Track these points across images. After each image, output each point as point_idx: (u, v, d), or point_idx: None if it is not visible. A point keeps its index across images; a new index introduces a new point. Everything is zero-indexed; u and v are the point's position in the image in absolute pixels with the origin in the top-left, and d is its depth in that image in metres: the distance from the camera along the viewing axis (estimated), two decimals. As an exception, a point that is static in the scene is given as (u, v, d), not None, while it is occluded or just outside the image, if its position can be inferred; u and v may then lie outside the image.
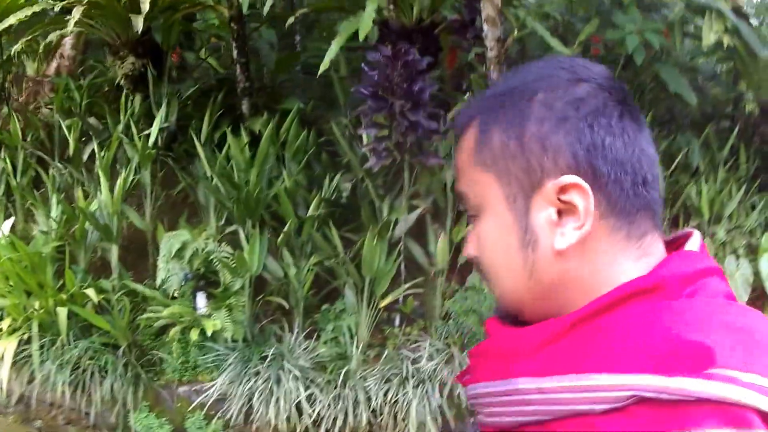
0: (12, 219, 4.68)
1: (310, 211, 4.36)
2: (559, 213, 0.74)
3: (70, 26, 4.27)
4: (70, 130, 4.74)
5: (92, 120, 4.83)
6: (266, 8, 4.27)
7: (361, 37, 4.20)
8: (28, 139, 4.91)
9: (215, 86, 4.99)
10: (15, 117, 4.90)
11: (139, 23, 4.19)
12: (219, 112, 4.75)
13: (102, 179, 4.38)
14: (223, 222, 4.48)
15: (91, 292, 4.25)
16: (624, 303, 0.71)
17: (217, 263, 4.26)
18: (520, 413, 0.73)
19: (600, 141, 0.74)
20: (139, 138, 4.48)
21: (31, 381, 4.69)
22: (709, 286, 0.73)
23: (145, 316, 4.27)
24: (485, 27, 4.34)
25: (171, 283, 4.23)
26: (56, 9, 4.45)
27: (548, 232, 0.74)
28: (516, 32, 4.51)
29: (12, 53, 5.06)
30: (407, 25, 4.66)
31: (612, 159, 0.74)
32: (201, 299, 4.39)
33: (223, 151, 4.51)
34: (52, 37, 4.70)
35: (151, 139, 4.44)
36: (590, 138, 0.74)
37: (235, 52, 4.71)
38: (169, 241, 4.25)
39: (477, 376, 0.81)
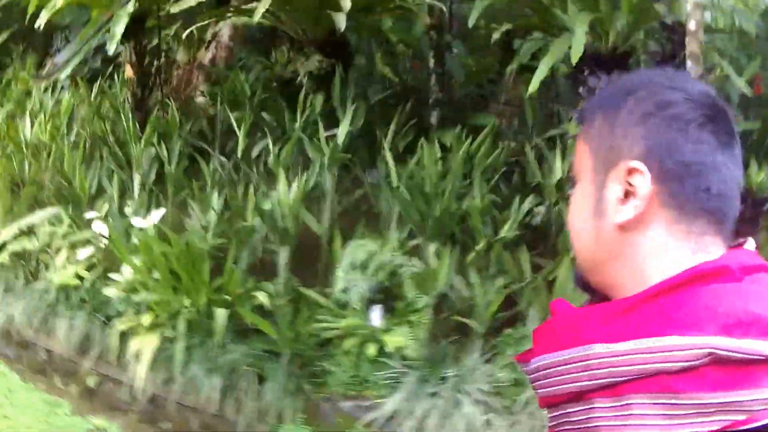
0: (163, 210, 4.43)
1: (503, 232, 4.18)
2: (626, 193, 0.84)
3: (256, 17, 4.13)
4: (240, 124, 4.53)
5: (264, 115, 4.62)
6: (472, 20, 4.12)
7: (574, 60, 4.12)
8: (187, 128, 4.68)
9: (400, 94, 4.82)
10: (173, 104, 4.69)
11: (341, 21, 4.04)
12: (407, 122, 4.57)
13: (281, 178, 4.16)
14: (405, 234, 4.23)
15: (262, 295, 3.99)
16: (692, 283, 0.77)
17: (402, 278, 4.02)
18: (594, 377, 0.77)
19: (671, 141, 0.84)
20: (319, 140, 4.29)
21: (167, 381, 4.38)
22: (766, 279, 0.81)
23: (319, 325, 4.00)
24: (689, 63, 4.21)
25: (351, 294, 3.97)
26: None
27: (614, 206, 0.84)
28: (719, 71, 4.39)
29: (166, 39, 4.87)
30: (603, 51, 4.53)
31: (678, 159, 0.83)
32: (375, 313, 4.17)
33: (413, 161, 4.31)
34: (221, 25, 4.53)
35: (339, 141, 4.23)
36: (664, 136, 0.84)
37: (431, 62, 4.57)
38: (354, 251, 4.02)
39: (543, 350, 0.85)
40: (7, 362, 5.01)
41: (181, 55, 5.11)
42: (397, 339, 4.12)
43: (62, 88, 5.97)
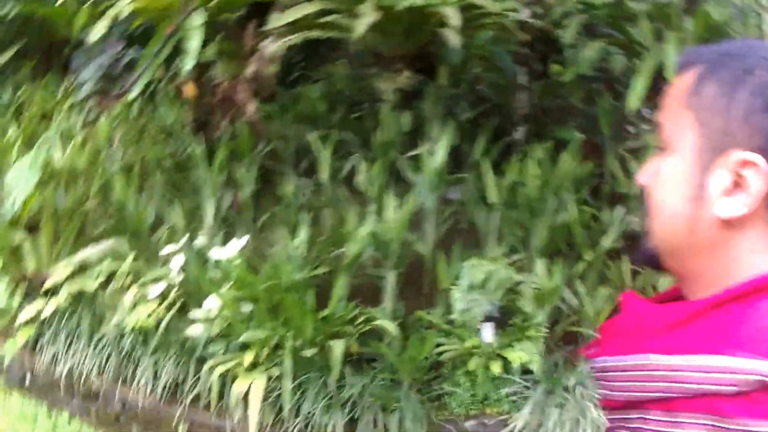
0: (245, 237, 4.21)
1: (607, 242, 4.21)
2: (733, 184, 0.79)
3: (358, 32, 3.94)
4: (322, 142, 4.31)
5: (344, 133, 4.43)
6: (569, 36, 4.06)
7: (669, 77, 4.13)
8: (258, 148, 4.44)
9: (488, 110, 4.72)
10: (247, 122, 4.43)
11: (455, 39, 3.92)
12: (494, 138, 4.50)
13: (388, 200, 4.03)
14: (506, 250, 4.19)
15: (384, 322, 3.86)
16: (753, 295, 0.74)
17: (520, 294, 4.00)
18: (649, 389, 0.77)
19: None
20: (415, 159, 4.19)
21: (277, 423, 4.20)
22: None
23: (440, 348, 3.92)
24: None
25: (471, 313, 3.91)
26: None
27: (718, 196, 0.79)
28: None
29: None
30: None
31: None
32: (488, 330, 4.12)
33: (509, 176, 4.30)
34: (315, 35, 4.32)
35: (438, 160, 4.12)
36: None
37: (525, 78, 4.48)
38: (471, 270, 3.94)
39: (606, 350, 0.86)
40: (74, 416, 4.67)
41: (220, 70, 4.78)
42: (519, 354, 4.10)
43: (89, 109, 5.52)
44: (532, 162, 4.38)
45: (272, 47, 4.51)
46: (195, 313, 4.44)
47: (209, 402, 4.53)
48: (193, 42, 4.19)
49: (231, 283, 4.43)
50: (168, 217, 4.71)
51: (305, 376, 4.32)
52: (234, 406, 4.38)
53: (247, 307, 4.41)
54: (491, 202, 4.36)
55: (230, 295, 4.43)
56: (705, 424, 0.73)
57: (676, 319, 0.79)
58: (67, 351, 4.74)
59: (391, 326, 4.06)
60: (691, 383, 0.73)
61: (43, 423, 4.63)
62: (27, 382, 4.97)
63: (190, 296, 4.55)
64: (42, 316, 4.66)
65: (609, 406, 0.86)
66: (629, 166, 4.64)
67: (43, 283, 5.18)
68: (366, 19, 4.14)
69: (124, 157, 4.93)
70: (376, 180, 4.31)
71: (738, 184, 0.79)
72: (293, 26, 4.44)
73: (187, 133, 4.81)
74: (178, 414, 4.52)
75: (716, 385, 0.72)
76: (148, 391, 4.49)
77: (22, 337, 4.89)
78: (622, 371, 0.82)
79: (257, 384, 4.28)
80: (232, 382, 4.47)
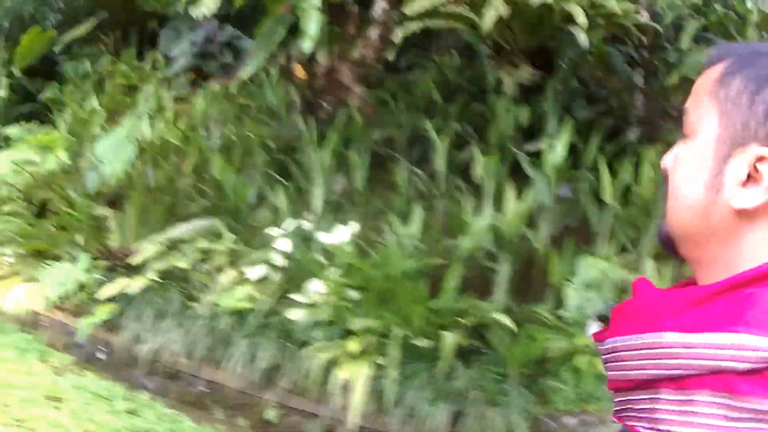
0: (355, 224, 4.16)
1: None
2: (748, 177, 0.81)
3: (487, 25, 3.94)
4: (439, 132, 4.27)
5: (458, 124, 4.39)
6: (685, 42, 4.07)
7: None
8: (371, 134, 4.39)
9: (603, 111, 4.71)
10: (358, 107, 4.38)
11: (584, 39, 3.92)
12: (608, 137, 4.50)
13: (507, 194, 4.00)
14: (617, 249, 4.20)
15: (499, 316, 3.82)
16: None
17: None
18: (662, 366, 0.78)
19: None
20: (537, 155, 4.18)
21: (378, 413, 4.12)
22: None
23: (550, 344, 3.90)
24: None
25: (585, 311, 3.92)
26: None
27: (733, 186, 0.81)
28: None
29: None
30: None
31: None
32: (593, 328, 4.14)
33: (623, 176, 4.31)
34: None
35: (557, 158, 4.10)
36: None
37: (641, 80, 4.49)
38: (587, 269, 3.94)
39: (616, 332, 0.87)
40: (152, 396, 4.51)
41: (321, 54, 4.72)
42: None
43: (181, 85, 5.40)
44: (647, 163, 4.38)
45: (398, 33, 4.47)
46: (297, 298, 4.35)
47: (304, 388, 4.44)
48: (312, 23, 4.15)
49: (338, 268, 4.35)
50: (270, 198, 4.62)
51: (411, 366, 4.25)
52: (334, 393, 4.29)
53: (354, 294, 4.33)
54: (605, 201, 4.34)
55: (338, 280, 4.34)
56: (718, 403, 0.73)
57: (689, 300, 0.79)
58: (151, 330, 4.60)
59: (506, 320, 4.01)
60: (705, 359, 0.73)
61: (120, 402, 4.45)
62: (103, 360, 4.80)
63: (290, 280, 4.45)
64: (128, 293, 4.52)
65: (619, 387, 0.85)
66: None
67: (125, 259, 5.04)
68: (494, 12, 4.13)
69: (222, 136, 4.82)
70: (494, 173, 4.26)
71: (753, 178, 0.80)
72: (411, 15, 4.42)
73: (293, 115, 4.72)
74: (269, 398, 4.41)
75: (731, 361, 0.72)
76: (239, 373, 4.37)
77: (102, 313, 4.73)
78: (633, 350, 0.82)
79: (363, 372, 4.19)
80: (333, 369, 4.39)
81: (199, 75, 5.73)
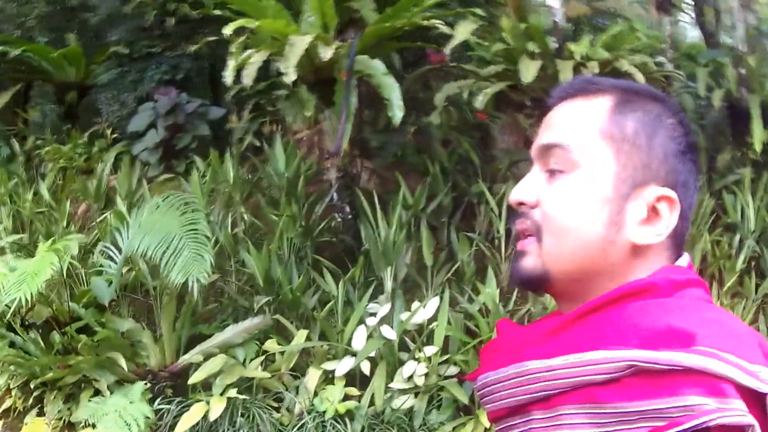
0: (436, 299, 4.27)
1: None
2: (649, 215, 0.88)
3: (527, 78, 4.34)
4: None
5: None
6: None
7: None
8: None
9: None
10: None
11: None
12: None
13: None
14: None
15: None
16: (623, 300, 0.85)
17: None
18: (529, 391, 0.85)
19: (689, 183, 0.93)
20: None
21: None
22: (695, 293, 0.90)
23: None
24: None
25: None
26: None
27: (633, 224, 0.87)
28: None
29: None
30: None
31: (690, 202, 0.94)
32: None
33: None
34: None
35: None
36: (689, 178, 0.93)
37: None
38: None
39: (487, 368, 0.94)
40: None
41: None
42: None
43: (147, 165, 4.49)
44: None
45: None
46: (397, 385, 4.12)
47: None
48: (395, 92, 3.96)
49: (434, 346, 4.20)
50: (321, 284, 4.31)
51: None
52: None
53: (452, 369, 4.24)
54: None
55: (435, 359, 4.19)
56: (584, 413, 0.79)
57: (553, 328, 0.86)
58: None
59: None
60: (568, 378, 0.79)
61: None
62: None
63: (376, 367, 4.20)
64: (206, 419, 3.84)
65: (496, 417, 0.91)
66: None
67: (171, 375, 4.16)
68: (535, 65, 4.16)
69: (237, 221, 4.24)
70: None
71: (653, 216, 0.86)
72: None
73: (321, 189, 4.35)
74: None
75: (591, 375, 0.78)
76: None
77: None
78: (501, 382, 0.87)
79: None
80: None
81: (169, 151, 4.79)
